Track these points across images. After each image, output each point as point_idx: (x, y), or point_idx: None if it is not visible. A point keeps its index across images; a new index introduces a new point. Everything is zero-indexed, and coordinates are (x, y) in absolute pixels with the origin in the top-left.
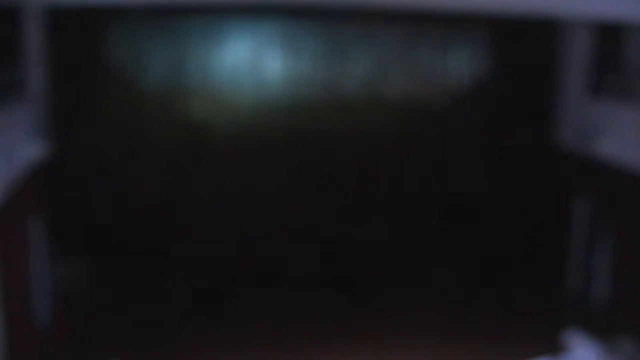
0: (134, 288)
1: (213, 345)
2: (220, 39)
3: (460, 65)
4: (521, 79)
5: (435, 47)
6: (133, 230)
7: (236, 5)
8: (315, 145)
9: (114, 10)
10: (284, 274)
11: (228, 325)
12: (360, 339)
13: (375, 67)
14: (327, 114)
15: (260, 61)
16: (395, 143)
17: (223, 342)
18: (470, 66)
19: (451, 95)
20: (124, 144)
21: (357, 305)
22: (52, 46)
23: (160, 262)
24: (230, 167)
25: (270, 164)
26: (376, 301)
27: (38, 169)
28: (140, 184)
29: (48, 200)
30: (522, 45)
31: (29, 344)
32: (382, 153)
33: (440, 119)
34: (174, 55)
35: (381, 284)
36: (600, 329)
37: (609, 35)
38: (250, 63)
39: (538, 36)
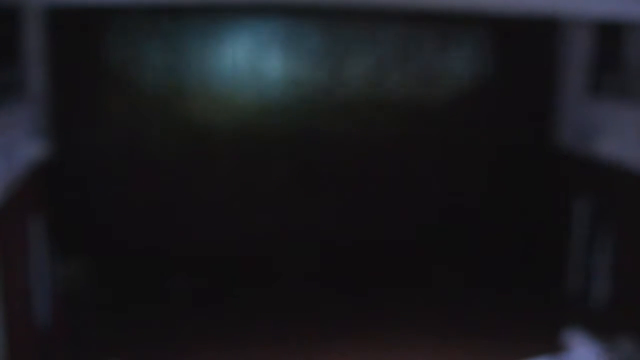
0: (134, 288)
1: (213, 345)
2: (220, 39)
3: (460, 65)
4: (521, 79)
5: (435, 47)
6: (133, 230)
7: (236, 5)
8: (315, 145)
9: (113, 10)
10: (284, 274)
11: (228, 325)
12: (360, 339)
13: (376, 67)
14: (327, 113)
15: (260, 61)
16: (395, 143)
17: (223, 342)
18: (471, 66)
19: (451, 94)
20: (124, 144)
21: (357, 305)
22: (52, 46)
23: (160, 262)
24: (230, 167)
25: (270, 164)
26: (376, 301)
27: (38, 169)
28: (140, 183)
29: (48, 200)
30: (522, 45)
31: (29, 343)
32: (382, 153)
33: (440, 118)
34: (173, 55)
35: (381, 284)
36: (600, 328)
37: (609, 35)
38: (250, 63)
39: (538, 36)
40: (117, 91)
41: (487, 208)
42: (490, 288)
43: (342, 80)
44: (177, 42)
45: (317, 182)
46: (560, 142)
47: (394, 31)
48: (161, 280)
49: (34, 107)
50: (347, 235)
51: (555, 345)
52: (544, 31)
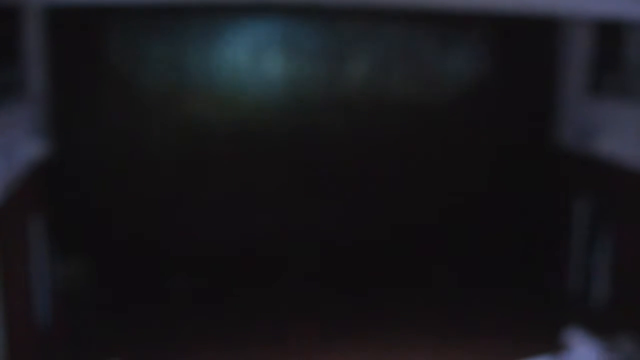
0: (134, 288)
1: (213, 345)
2: (220, 38)
3: (460, 65)
4: (521, 78)
5: (435, 47)
6: (133, 230)
7: (236, 5)
8: (315, 144)
9: (113, 10)
10: (284, 274)
11: (228, 325)
12: (360, 339)
13: (376, 67)
14: (327, 113)
15: (260, 60)
16: (395, 142)
17: (223, 342)
18: (471, 65)
19: (451, 94)
20: (124, 144)
21: (357, 305)
22: (52, 46)
23: (160, 261)
24: (231, 167)
25: (270, 164)
26: (376, 301)
27: (38, 169)
28: (140, 183)
29: (48, 200)
30: (523, 45)
31: (29, 342)
32: (382, 152)
33: (440, 118)
34: (173, 54)
35: (381, 284)
36: (601, 327)
37: (609, 34)
38: (250, 62)
39: (538, 35)
40: (117, 91)
41: (487, 208)
42: (491, 288)
43: (342, 80)
44: (177, 41)
45: (317, 182)
46: (560, 141)
47: (394, 31)
48: (161, 280)
49: (34, 107)
50: (347, 235)
51: (555, 344)
52: (544, 31)
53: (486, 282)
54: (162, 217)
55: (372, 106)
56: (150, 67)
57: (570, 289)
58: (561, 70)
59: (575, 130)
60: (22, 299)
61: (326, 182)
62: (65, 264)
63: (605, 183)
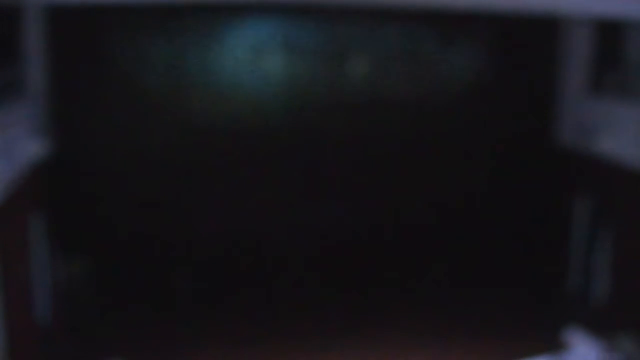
0: (134, 286)
1: (213, 345)
2: (220, 38)
3: (460, 64)
4: (522, 77)
5: (436, 46)
6: (133, 229)
7: (237, 5)
8: (316, 144)
9: (114, 9)
10: (284, 273)
11: (228, 325)
12: (360, 338)
13: (376, 66)
14: (327, 112)
15: (261, 60)
16: (395, 141)
17: (223, 341)
18: (471, 64)
19: (452, 93)
20: (124, 143)
21: (357, 305)
22: (52, 45)
23: (161, 261)
24: (231, 166)
25: (270, 164)
26: (376, 301)
27: (38, 167)
28: (140, 182)
29: (48, 199)
30: (523, 43)
31: (30, 341)
32: (382, 152)
33: (440, 117)
34: (174, 53)
35: (381, 284)
36: (601, 327)
37: (609, 33)
38: (250, 62)
39: (539, 34)
40: (117, 90)
41: (487, 207)
42: (491, 287)
43: (342, 80)
44: (177, 40)
45: (318, 182)
46: (561, 140)
47: (395, 31)
48: (161, 280)
49: (34, 106)
50: (347, 235)
51: (555, 343)
52: (545, 30)
53: (486, 281)
54: (162, 217)
55: (372, 106)
56: (151, 67)
57: (570, 288)
58: (561, 69)
59: (575, 129)
60: (23, 298)
61: (326, 181)
62: (65, 263)
63: (606, 182)
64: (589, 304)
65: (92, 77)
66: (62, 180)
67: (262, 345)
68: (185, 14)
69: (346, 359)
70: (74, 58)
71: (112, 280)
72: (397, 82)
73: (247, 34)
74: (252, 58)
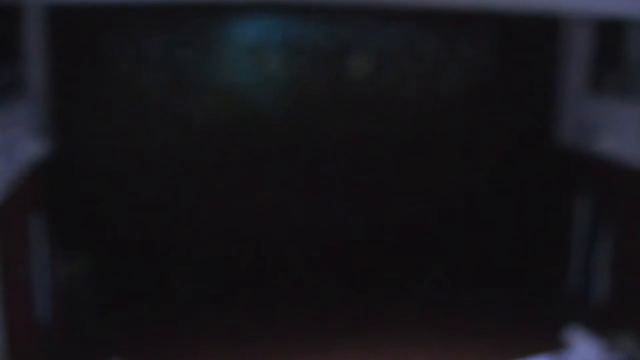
0: (135, 286)
1: (213, 345)
2: (220, 37)
3: (461, 64)
4: (522, 77)
5: (436, 46)
6: (133, 229)
7: (237, 4)
8: (316, 144)
9: (114, 9)
10: (284, 273)
11: (228, 325)
12: (360, 338)
13: (376, 66)
14: (327, 112)
15: (261, 60)
16: (395, 141)
17: (223, 341)
18: (471, 64)
19: (452, 93)
20: (125, 142)
21: (357, 305)
22: (53, 44)
23: (161, 260)
24: (231, 166)
25: (270, 164)
26: (376, 300)
27: (39, 167)
28: (140, 182)
29: (49, 198)
30: (523, 43)
31: (30, 341)
32: (383, 151)
33: (441, 117)
34: (174, 53)
35: (381, 284)
36: (601, 326)
37: (609, 32)
38: (251, 62)
39: (539, 34)
40: (117, 90)
41: (488, 206)
42: (491, 287)
43: (343, 79)
44: (177, 41)
45: (318, 182)
46: (561, 139)
47: (395, 30)
48: (162, 279)
49: (35, 106)
50: (348, 235)
51: (556, 342)
52: (545, 29)
53: (486, 281)
54: (162, 216)
55: (373, 105)
56: (151, 67)
57: (570, 287)
58: (561, 68)
59: (575, 128)
60: (23, 298)
61: (327, 181)
62: (65, 263)
63: (606, 181)
64: (589, 303)
65: (92, 77)
66: (62, 180)
67: (262, 345)
68: (185, 14)
69: (346, 359)
70: (74, 58)
71: (112, 280)
72: (397, 82)
73: (247, 33)
74: (252, 58)
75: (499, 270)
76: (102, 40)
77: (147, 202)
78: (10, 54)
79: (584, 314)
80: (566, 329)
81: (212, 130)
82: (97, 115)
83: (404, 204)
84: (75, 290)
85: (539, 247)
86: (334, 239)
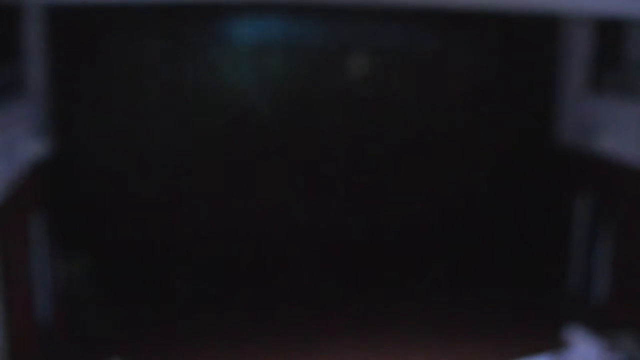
0: (135, 287)
1: (213, 345)
2: (220, 37)
3: (460, 63)
4: (522, 76)
5: (436, 45)
6: (134, 229)
7: (237, 4)
8: (316, 144)
9: (114, 9)
10: (285, 273)
11: (228, 325)
12: (361, 338)
13: (376, 66)
14: (327, 112)
15: (261, 59)
16: (395, 141)
17: (223, 341)
18: (471, 64)
19: (452, 93)
20: (125, 142)
21: (357, 305)
22: (53, 44)
23: (161, 260)
24: (231, 166)
25: (270, 163)
26: (376, 300)
27: (39, 167)
28: (140, 182)
29: (49, 198)
30: (523, 43)
31: (30, 340)
32: (383, 151)
33: (441, 117)
34: (174, 52)
35: (382, 283)
36: (601, 325)
37: (610, 32)
38: (250, 61)
39: (539, 33)
40: (117, 90)
41: (488, 206)
42: (492, 286)
43: (342, 79)
44: (177, 40)
45: (318, 181)
46: (561, 139)
47: (395, 30)
48: (162, 279)
49: (35, 105)
50: (348, 235)
51: (556, 342)
52: (545, 29)
53: (486, 281)
54: (162, 216)
55: (373, 105)
56: (150, 67)
57: (571, 286)
58: (561, 68)
59: (575, 128)
60: (23, 297)
61: (327, 181)
62: (66, 262)
63: (606, 181)
64: (589, 302)
65: (92, 77)
66: (63, 179)
67: (262, 344)
68: (186, 14)
69: (346, 359)
70: (74, 58)
71: (112, 280)
72: (397, 82)
73: (247, 33)
74: (252, 58)
75: (499, 270)
76: (102, 40)
77: (147, 202)
78: (10, 54)
79: (584, 313)
80: (566, 329)
81: (212, 130)
82: (97, 115)
83: (404, 203)
84: (75, 290)
85: (539, 247)
86: (334, 239)
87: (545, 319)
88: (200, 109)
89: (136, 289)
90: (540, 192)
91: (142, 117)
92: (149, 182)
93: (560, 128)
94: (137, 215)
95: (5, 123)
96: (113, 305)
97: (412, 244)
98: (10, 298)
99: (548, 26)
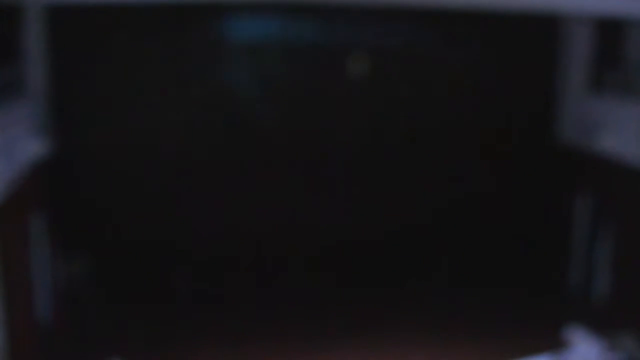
0: (135, 286)
1: (213, 345)
2: (221, 37)
3: (461, 63)
4: (522, 76)
5: (436, 45)
6: (134, 229)
7: (236, 4)
8: (316, 144)
9: (114, 9)
10: (285, 273)
11: (228, 325)
12: (360, 338)
13: (376, 66)
14: (327, 112)
15: (260, 59)
16: (395, 140)
17: (223, 341)
18: (471, 63)
19: (452, 92)
20: (124, 143)
21: (357, 305)
22: (53, 45)
23: (161, 260)
24: (232, 166)
25: (270, 163)
26: (376, 300)
27: (39, 167)
28: (140, 182)
29: (49, 198)
30: (523, 43)
31: (31, 340)
32: (383, 151)
33: (441, 116)
34: (174, 52)
35: (381, 284)
36: (602, 325)
37: (610, 32)
38: (251, 61)
39: (539, 33)
40: (117, 89)
41: (488, 205)
42: (492, 285)
43: (342, 79)
44: (177, 40)
45: (318, 181)
46: (562, 139)
47: (395, 29)
48: (162, 279)
49: (35, 105)
50: (348, 235)
51: (557, 341)
52: (545, 28)
53: (487, 280)
54: (162, 216)
55: (372, 105)
56: (151, 67)
57: (571, 286)
58: (562, 67)
59: (576, 127)
60: (23, 297)
61: (327, 181)
62: (66, 262)
63: (607, 180)
64: (589, 302)
65: (92, 77)
66: (63, 179)
67: (262, 345)
68: (185, 13)
69: (346, 359)
70: (74, 58)
71: (112, 280)
72: (397, 82)
73: (247, 33)
74: (252, 57)
75: (499, 270)
76: (102, 40)
77: (147, 202)
78: (10, 54)
79: (585, 313)
80: (566, 329)
81: (212, 129)
82: (97, 115)
83: (404, 203)
84: (76, 290)
85: (540, 246)
86: (334, 239)
87: (545, 319)
88: (201, 108)
89: (136, 289)
90: (540, 192)
91: (142, 117)
92: (149, 182)
93: (561, 128)
94: (137, 215)
95: (5, 123)
96: (113, 305)
97: (412, 244)
98: (10, 298)
99: (548, 26)
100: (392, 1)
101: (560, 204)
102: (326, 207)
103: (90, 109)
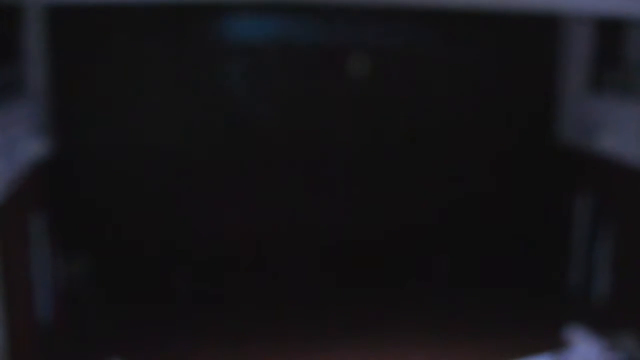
0: (135, 286)
1: (213, 345)
2: (220, 37)
3: (461, 63)
4: (522, 76)
5: (436, 45)
6: (134, 229)
7: (236, 4)
8: (316, 144)
9: (114, 8)
10: (285, 273)
11: (228, 325)
12: (360, 338)
13: (376, 66)
14: (327, 112)
15: (260, 59)
16: (395, 140)
17: (223, 342)
18: (472, 63)
19: (452, 92)
20: (124, 143)
21: (357, 305)
22: (53, 45)
23: (162, 260)
24: (231, 166)
25: (270, 163)
26: (377, 300)
27: (39, 167)
28: (140, 182)
29: (49, 198)
30: (524, 42)
31: (31, 340)
32: (383, 151)
33: (441, 116)
34: (174, 52)
35: (381, 284)
36: (602, 325)
37: (610, 32)
38: (251, 61)
39: (539, 33)
40: (117, 89)
41: (488, 205)
42: (492, 285)
43: (342, 79)
44: (177, 39)
45: (318, 181)
46: (561, 138)
47: (395, 29)
48: (162, 279)
49: (35, 106)
50: (348, 235)
51: (557, 341)
52: (545, 28)
53: (487, 280)
54: (162, 216)
55: (373, 105)
56: (151, 67)
57: (571, 286)
58: (562, 67)
59: (576, 127)
60: (24, 297)
61: (327, 181)
62: (66, 262)
63: (607, 180)
64: (590, 302)
65: (92, 77)
66: (63, 179)
67: (262, 345)
68: (185, 13)
69: (347, 359)
70: (74, 58)
71: (112, 280)
72: (397, 82)
73: (246, 33)
74: (251, 57)
75: (499, 270)
76: (102, 40)
77: (147, 202)
78: (10, 54)
79: (585, 313)
80: (566, 329)
81: (212, 129)
82: (97, 115)
83: (404, 203)
84: (76, 290)
85: (540, 246)
86: (334, 239)
87: (545, 319)
88: (200, 108)
89: (136, 289)
90: (540, 191)
91: (142, 117)
92: (148, 182)
93: (561, 128)
94: (137, 215)
95: (5, 123)
96: (113, 305)
97: (412, 243)
98: (10, 298)
99: (548, 26)
100: (392, 1)
101: (560, 204)
102: (326, 207)
103: (90, 109)
